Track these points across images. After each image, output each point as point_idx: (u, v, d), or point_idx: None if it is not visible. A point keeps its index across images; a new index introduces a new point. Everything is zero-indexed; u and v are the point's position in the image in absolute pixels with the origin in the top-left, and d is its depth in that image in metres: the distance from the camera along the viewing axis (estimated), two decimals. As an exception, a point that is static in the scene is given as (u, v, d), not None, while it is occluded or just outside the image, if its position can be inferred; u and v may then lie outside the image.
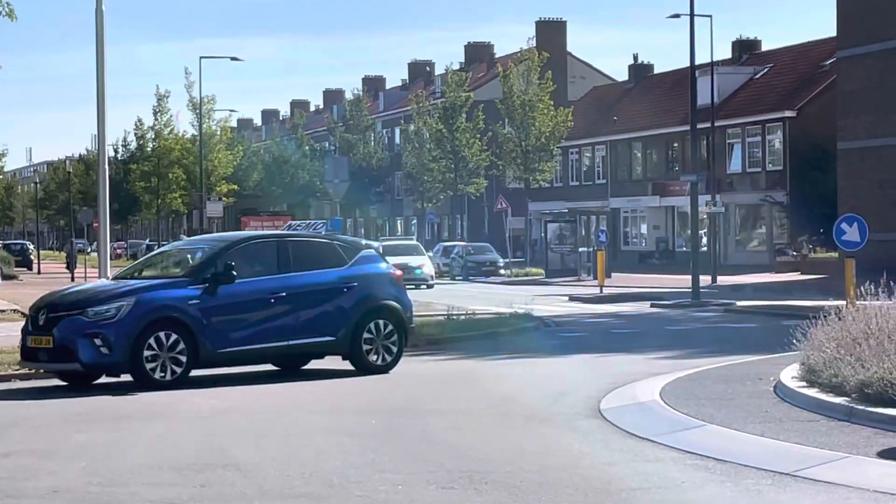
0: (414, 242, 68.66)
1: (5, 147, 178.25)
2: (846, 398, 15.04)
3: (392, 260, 47.03)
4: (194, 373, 20.67)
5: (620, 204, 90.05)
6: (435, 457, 13.38)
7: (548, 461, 13.08)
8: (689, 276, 44.08)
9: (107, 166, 28.89)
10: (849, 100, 61.27)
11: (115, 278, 23.27)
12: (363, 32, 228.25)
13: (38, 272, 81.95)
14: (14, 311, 40.06)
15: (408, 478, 12.20)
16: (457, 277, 71.16)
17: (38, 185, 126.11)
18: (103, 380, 20.71)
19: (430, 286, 57.99)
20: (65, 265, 65.51)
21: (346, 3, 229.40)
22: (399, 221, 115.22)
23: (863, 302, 19.34)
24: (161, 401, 18.86)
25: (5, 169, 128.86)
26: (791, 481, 11.68)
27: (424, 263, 60.36)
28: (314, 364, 23.72)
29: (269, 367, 23.63)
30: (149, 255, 30.95)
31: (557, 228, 73.85)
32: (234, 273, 20.42)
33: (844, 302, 23.76)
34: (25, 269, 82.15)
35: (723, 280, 54.61)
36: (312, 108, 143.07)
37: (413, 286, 48.66)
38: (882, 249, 42.50)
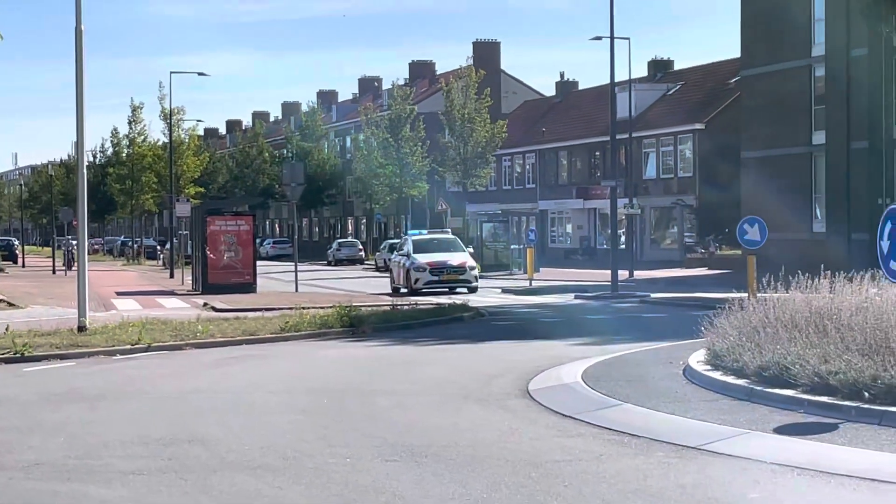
0: (450, 236, 52.43)
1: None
2: (746, 380, 15.14)
3: (426, 258, 45.28)
4: (163, 359, 20.46)
5: (548, 206, 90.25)
6: (380, 433, 13.38)
7: (481, 436, 13.10)
8: (609, 271, 44.27)
9: (85, 170, 28.67)
10: (751, 114, 61.64)
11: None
12: (318, 50, 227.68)
13: (23, 265, 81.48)
14: (0, 300, 39.78)
15: (355, 451, 12.20)
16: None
17: (23, 186, 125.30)
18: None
19: (472, 289, 44.94)
20: (63, 262, 64.45)
21: (303, 24, 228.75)
22: (350, 221, 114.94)
23: (762, 294, 19.48)
24: (133, 383, 18.79)
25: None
26: (697, 454, 11.74)
27: (466, 261, 45.97)
28: (272, 350, 23.68)
29: (234, 354, 23.60)
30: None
31: (492, 227, 73.90)
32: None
33: (746, 294, 23.83)
34: (11, 262, 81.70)
35: (639, 274, 54.82)
36: (272, 119, 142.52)
37: (446, 288, 44.32)
38: (780, 247, 42.77)
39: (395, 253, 50.29)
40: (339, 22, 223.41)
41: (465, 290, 44.66)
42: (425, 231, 58.01)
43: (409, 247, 46.87)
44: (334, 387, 17.67)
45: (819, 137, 56.26)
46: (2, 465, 11.86)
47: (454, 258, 45.63)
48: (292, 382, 18.41)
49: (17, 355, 22.40)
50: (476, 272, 46.27)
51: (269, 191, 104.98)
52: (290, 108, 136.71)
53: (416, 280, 44.40)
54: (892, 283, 15.05)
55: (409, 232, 52.24)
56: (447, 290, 44.22)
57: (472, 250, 52.85)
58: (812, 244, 52.31)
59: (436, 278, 44.31)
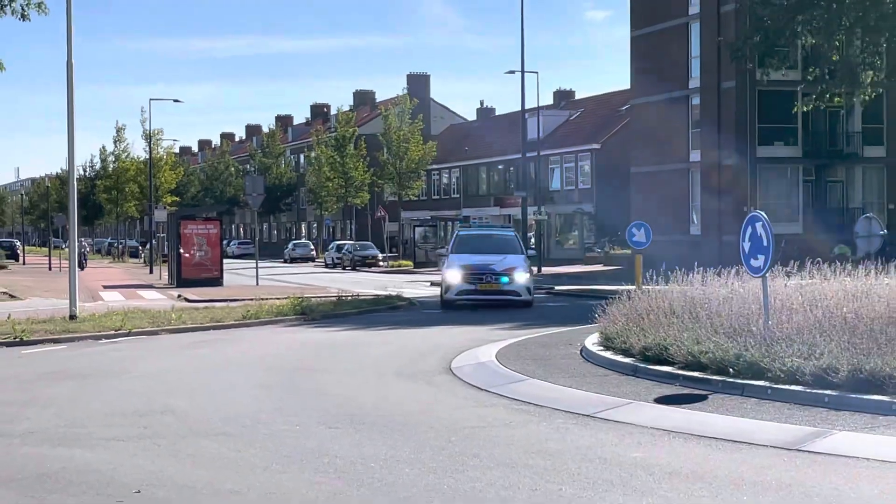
0: (507, 233, 34.94)
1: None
2: (632, 358, 15.23)
3: (465, 259, 30.00)
4: (143, 343, 20.28)
5: (470, 212, 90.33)
6: (324, 405, 13.32)
7: (409, 407, 13.08)
8: (521, 267, 44.26)
9: (76, 182, 28.35)
10: (638, 136, 62.08)
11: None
12: (277, 81, 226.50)
13: (24, 263, 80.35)
14: (3, 293, 39.25)
15: (303, 420, 12.14)
16: (346, 267, 71.00)
17: (24, 196, 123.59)
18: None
19: (526, 303, 29.78)
20: (77, 263, 61.84)
21: (264, 59, 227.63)
22: (303, 225, 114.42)
23: (647, 287, 19.61)
24: (116, 363, 18.59)
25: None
26: (591, 421, 11.79)
27: (517, 266, 30.23)
28: (236, 335, 23.51)
29: (203, 338, 23.41)
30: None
31: (423, 231, 74.10)
32: None
33: (634, 287, 24.02)
34: (14, 261, 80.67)
35: (546, 270, 55.01)
36: (237, 139, 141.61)
37: (487, 302, 29.75)
38: (662, 248, 43.04)
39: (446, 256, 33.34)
40: (296, 58, 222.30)
41: (517, 305, 29.44)
42: (482, 227, 45.49)
43: (451, 244, 32.83)
44: (287, 365, 17.57)
45: (695, 156, 56.75)
46: (2, 433, 11.70)
47: (502, 262, 29.97)
48: (251, 362, 18.29)
49: (17, 339, 22.13)
50: (529, 282, 29.99)
51: (234, 200, 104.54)
52: (252, 129, 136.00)
53: (447, 289, 30.11)
54: (753, 278, 15.19)
55: (459, 228, 36.92)
56: (489, 304, 29.62)
57: (532, 252, 38.64)
58: (689, 245, 52.73)
59: (471, 287, 29.59)
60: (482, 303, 29.66)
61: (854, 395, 11.60)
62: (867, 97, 40.38)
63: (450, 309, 29.66)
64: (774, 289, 15.37)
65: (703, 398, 12.50)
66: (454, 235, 33.58)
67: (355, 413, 12.53)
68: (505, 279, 29.53)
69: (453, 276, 29.87)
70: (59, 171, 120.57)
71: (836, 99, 43.39)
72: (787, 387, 12.26)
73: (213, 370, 17.25)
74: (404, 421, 11.98)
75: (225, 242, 74.32)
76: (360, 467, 9.59)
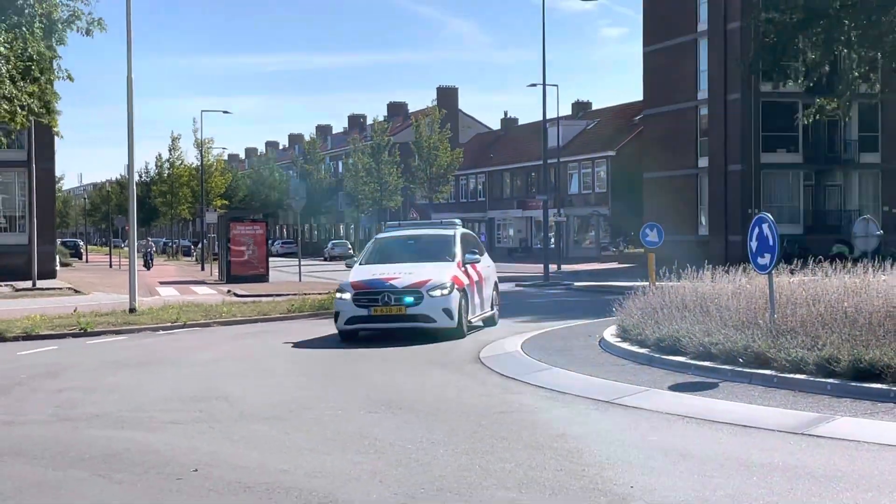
0: (445, 231, 22.18)
1: (62, 174, 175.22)
2: (648, 349, 15.19)
3: (365, 273, 20.07)
4: (196, 334, 20.36)
5: (495, 215, 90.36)
6: (364, 391, 13.33)
7: (442, 393, 13.08)
8: (542, 265, 44.32)
9: (135, 186, 28.50)
10: (651, 144, 61.89)
11: None
12: (317, 93, 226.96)
13: (87, 261, 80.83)
14: (69, 288, 39.49)
15: (345, 405, 12.16)
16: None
17: (86, 199, 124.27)
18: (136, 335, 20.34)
19: (448, 331, 19.36)
20: (142, 263, 60.28)
21: (306, 73, 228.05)
22: (341, 226, 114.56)
23: (660, 283, 19.55)
24: (172, 353, 18.68)
25: (63, 188, 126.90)
26: (609, 406, 11.76)
27: (431, 279, 19.50)
28: (281, 327, 23.55)
29: (251, 330, 23.46)
30: None
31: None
32: None
33: (648, 283, 23.96)
34: (77, 259, 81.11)
35: (565, 268, 54.95)
36: (281, 147, 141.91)
37: (396, 330, 19.55)
38: (673, 247, 42.92)
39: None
40: (335, 72, 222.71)
41: (430, 333, 19.33)
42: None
43: (365, 249, 22.36)
44: (328, 355, 17.61)
45: (703, 162, 56.53)
46: (70, 417, 11.77)
47: (411, 274, 19.69)
48: (296, 352, 18.35)
49: (82, 331, 22.28)
50: (452, 301, 19.33)
51: (278, 203, 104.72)
52: (295, 138, 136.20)
53: (336, 316, 19.94)
54: (759, 274, 15.11)
55: (385, 224, 27.85)
56: (386, 334, 19.71)
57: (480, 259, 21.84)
58: (698, 244, 52.53)
59: (363, 312, 19.39)
60: (384, 332, 19.57)
61: (854, 384, 11.53)
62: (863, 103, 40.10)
63: (352, 341, 19.60)
64: (779, 285, 15.29)
65: (713, 386, 12.44)
66: (373, 239, 22.48)
67: (393, 399, 12.53)
68: (409, 299, 18.99)
69: (343, 298, 19.54)
70: (119, 176, 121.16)
71: (833, 107, 43.15)
72: (792, 375, 12.19)
73: (261, 359, 17.29)
74: (438, 406, 11.98)
75: (270, 242, 74.51)
76: (399, 449, 9.59)
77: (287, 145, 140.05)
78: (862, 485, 7.95)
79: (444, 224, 22.90)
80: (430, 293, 19.24)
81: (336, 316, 19.86)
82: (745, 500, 7.56)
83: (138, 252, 73.02)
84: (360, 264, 21.05)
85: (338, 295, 19.97)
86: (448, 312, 19.23)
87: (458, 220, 22.70)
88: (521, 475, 8.51)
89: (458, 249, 21.01)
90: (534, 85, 55.86)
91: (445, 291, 19.30)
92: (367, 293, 19.34)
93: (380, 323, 19.39)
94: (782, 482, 8.07)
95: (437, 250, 21.08)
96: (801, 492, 7.78)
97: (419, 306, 19.16)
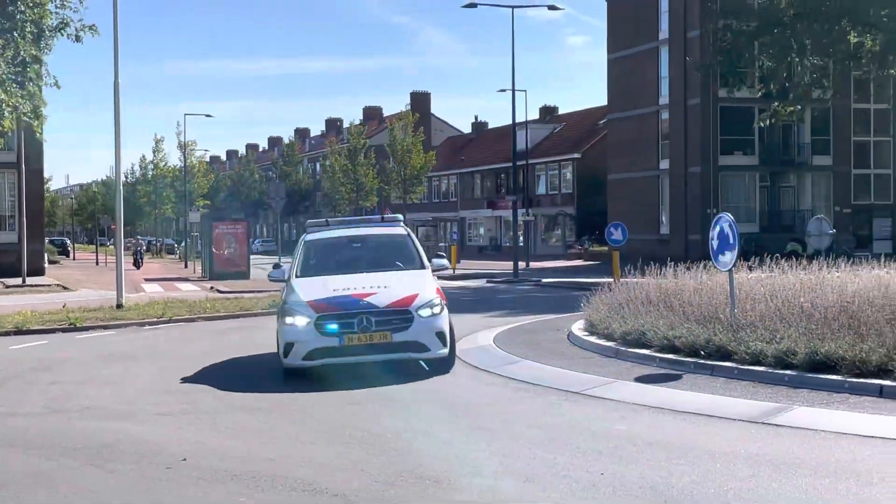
0: (396, 230, 15.98)
1: (50, 175, 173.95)
2: (614, 342, 15.22)
3: (316, 287, 13.97)
4: (181, 329, 20.23)
5: (466, 214, 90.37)
6: (344, 382, 13.31)
7: (420, 385, 13.06)
8: (512, 262, 44.37)
9: (122, 187, 28.34)
10: (614, 147, 62.08)
11: None
12: (296, 97, 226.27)
13: (74, 259, 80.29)
14: (57, 285, 39.24)
15: (326, 396, 12.09)
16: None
17: (73, 199, 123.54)
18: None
19: (441, 361, 13.80)
20: (132, 262, 58.82)
21: (285, 78, 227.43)
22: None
23: (625, 279, 19.61)
24: (159, 346, 18.61)
25: (51, 189, 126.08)
26: (579, 397, 11.79)
27: (417, 293, 13.63)
28: (262, 322, 23.49)
29: (234, 325, 23.38)
30: None
31: (425, 230, 74.05)
32: None
33: (613, 280, 24.04)
34: (65, 257, 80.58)
35: (533, 265, 54.95)
36: (261, 149, 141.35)
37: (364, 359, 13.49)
38: (636, 245, 43.09)
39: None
40: (313, 77, 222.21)
41: (422, 362, 13.94)
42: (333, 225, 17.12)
43: (296, 256, 15.69)
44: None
45: (665, 164, 56.76)
46: (63, 409, 11.71)
47: (388, 288, 13.79)
48: (274, 344, 18.26)
49: (72, 325, 22.16)
50: (443, 322, 13.71)
51: (258, 203, 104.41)
52: (274, 140, 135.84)
53: (288, 348, 13.46)
54: (720, 271, 15.19)
55: (307, 223, 16.77)
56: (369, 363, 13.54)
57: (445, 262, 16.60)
58: (659, 243, 52.76)
59: (331, 342, 13.25)
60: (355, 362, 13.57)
61: (811, 375, 11.61)
62: (815, 111, 40.42)
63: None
64: (738, 281, 15.38)
65: (677, 377, 12.50)
66: (301, 243, 15.84)
67: (373, 390, 12.51)
68: (396, 323, 13.37)
69: (296, 324, 13.42)
70: (105, 177, 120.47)
71: (788, 112, 43.50)
72: (752, 367, 12.27)
73: (243, 352, 17.23)
74: (415, 398, 11.98)
75: (251, 240, 74.25)
76: (380, 439, 9.60)
77: (267, 147, 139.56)
78: (819, 471, 8.02)
79: (386, 222, 16.52)
80: (420, 313, 13.43)
81: (285, 348, 13.38)
82: (709, 486, 7.62)
83: (128, 250, 73.06)
84: (298, 276, 14.67)
85: (287, 321, 13.40)
86: (441, 337, 13.62)
87: (399, 216, 16.68)
88: (496, 463, 8.53)
89: (422, 253, 15.46)
90: (503, 90, 55.97)
91: (437, 310, 13.64)
92: (338, 316, 13.18)
93: (355, 356, 13.28)
94: (744, 469, 8.13)
95: (394, 255, 15.29)
96: (763, 478, 7.84)
97: (408, 331, 13.32)
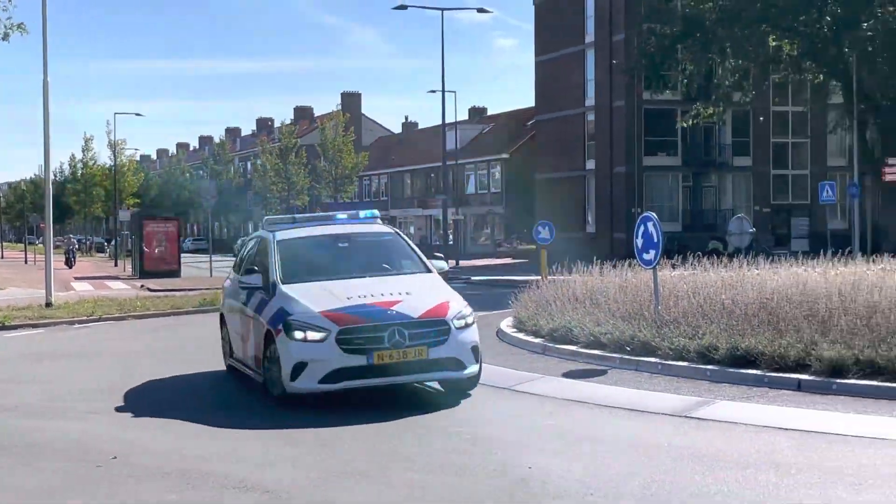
0: (384, 229, 13.56)
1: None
2: (542, 339, 15.30)
3: (316, 295, 11.40)
4: (111, 327, 19.94)
5: (397, 213, 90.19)
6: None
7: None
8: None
9: (51, 186, 27.84)
10: (542, 147, 62.43)
11: None
12: (227, 97, 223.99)
13: (2, 257, 78.75)
14: (-15, 284, 38.45)
15: (258, 396, 12.00)
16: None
17: (1, 198, 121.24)
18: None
19: (470, 382, 11.45)
20: (64, 261, 56.95)
21: (216, 77, 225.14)
22: (250, 224, 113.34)
23: (552, 277, 19.71)
24: (91, 345, 18.31)
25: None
26: (509, 393, 11.82)
27: (448, 299, 11.53)
28: (193, 319, 23.21)
29: (165, 323, 23.11)
30: None
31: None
32: None
33: (540, 277, 24.14)
34: (-8, 255, 78.98)
35: (463, 263, 54.91)
36: (192, 148, 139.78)
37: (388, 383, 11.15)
38: (564, 244, 43.32)
39: (228, 279, 14.86)
40: (244, 77, 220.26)
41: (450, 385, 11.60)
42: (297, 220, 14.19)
43: (271, 259, 12.36)
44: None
45: (591, 164, 57.22)
46: (-10, 408, 11.49)
47: (409, 293, 11.42)
48: (209, 344, 18.07)
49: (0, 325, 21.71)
50: (475, 335, 11.43)
51: (189, 202, 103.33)
52: (205, 140, 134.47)
53: (297, 369, 10.77)
54: (644, 269, 15.33)
55: (266, 220, 13.91)
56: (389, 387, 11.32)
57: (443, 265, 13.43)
58: (586, 241, 53.11)
59: (358, 361, 10.71)
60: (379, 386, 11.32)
61: (732, 370, 11.78)
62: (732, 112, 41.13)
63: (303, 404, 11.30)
64: (662, 279, 15.54)
65: (603, 373, 12.59)
66: (270, 243, 12.84)
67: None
68: (432, 335, 11.05)
69: (309, 339, 10.92)
70: (34, 175, 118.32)
71: (709, 114, 44.18)
72: (675, 363, 12.41)
73: (176, 351, 17.04)
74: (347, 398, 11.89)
75: (181, 239, 73.50)
76: (311, 436, 9.54)
77: (198, 147, 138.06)
78: (741, 462, 8.13)
79: (362, 218, 13.62)
80: (455, 324, 11.19)
81: (293, 369, 10.78)
82: (634, 479, 7.68)
83: (59, 249, 71.68)
84: (283, 282, 11.81)
85: (296, 335, 10.86)
86: (475, 352, 11.38)
87: (376, 211, 14.07)
88: (426, 459, 8.52)
89: (421, 254, 12.99)
90: (433, 91, 56.06)
91: (469, 320, 11.44)
92: (363, 329, 10.80)
93: (385, 377, 10.86)
94: (668, 461, 8.22)
95: (391, 256, 12.90)
96: (686, 469, 7.93)
97: (445, 345, 11.02)
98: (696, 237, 46.80)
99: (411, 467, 8.21)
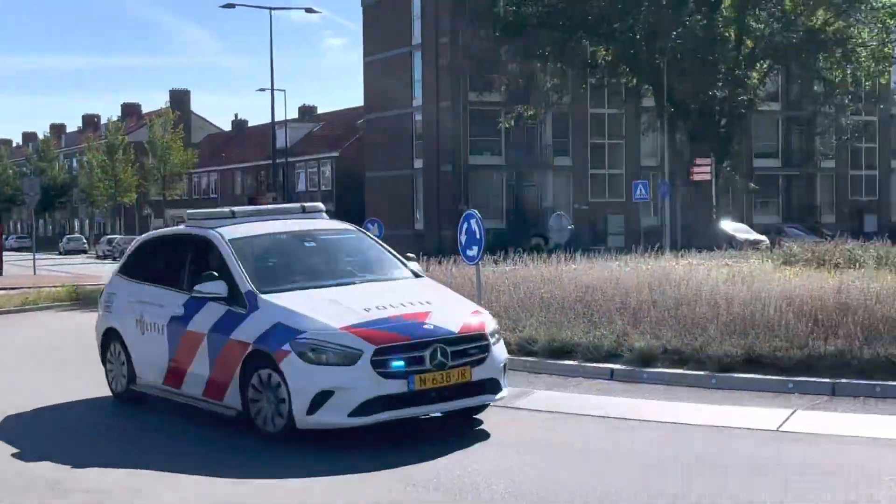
0: (346, 226, 11.22)
1: None
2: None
3: (321, 304, 9.07)
4: None
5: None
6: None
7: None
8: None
9: None
10: (372, 146, 62.55)
11: None
12: (52, 93, 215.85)
13: None
14: None
15: (91, 396, 11.67)
16: (116, 259, 68.42)
17: None
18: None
19: (493, 393, 9.14)
20: None
21: (40, 73, 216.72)
22: (76, 221, 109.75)
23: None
24: None
25: None
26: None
27: (479, 310, 9.64)
28: (16, 320, 22.33)
29: None
30: None
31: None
32: None
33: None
34: None
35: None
36: (14, 145, 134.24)
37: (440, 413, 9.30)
38: (393, 240, 43.40)
39: (111, 286, 11.66)
40: (69, 73, 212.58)
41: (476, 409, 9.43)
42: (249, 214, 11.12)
43: (231, 263, 9.59)
44: (78, 345, 16.86)
45: (419, 163, 57.64)
46: None
47: (433, 303, 9.25)
48: (37, 343, 17.47)
49: None
50: (505, 353, 9.43)
51: (12, 198, 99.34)
52: (29, 136, 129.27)
53: (323, 396, 8.44)
54: (468, 265, 15.55)
55: (190, 214, 11.23)
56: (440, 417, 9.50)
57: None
58: (415, 238, 53.49)
59: (397, 388, 8.49)
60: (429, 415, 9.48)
61: (550, 361, 12.10)
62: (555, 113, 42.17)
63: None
64: (485, 274, 15.80)
65: (428, 366, 12.67)
66: (220, 242, 9.96)
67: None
68: (475, 352, 8.97)
69: (328, 362, 8.56)
70: None
71: (530, 115, 45.22)
72: (496, 355, 12.63)
73: (1, 351, 16.39)
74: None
75: (4, 237, 70.60)
76: (132, 434, 9.35)
77: (21, 143, 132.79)
78: (554, 447, 8.40)
79: (308, 213, 11.18)
80: (493, 339, 9.25)
81: (314, 400, 8.52)
82: (454, 469, 7.83)
83: None
84: (262, 291, 9.31)
85: (313, 357, 8.59)
86: (505, 371, 9.42)
87: (321, 205, 11.67)
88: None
89: (396, 253, 10.84)
90: (263, 89, 55.60)
91: (499, 335, 9.52)
92: (404, 348, 8.67)
93: (426, 405, 8.80)
94: (483, 449, 8.41)
95: (369, 259, 10.66)
96: (496, 455, 8.14)
97: (485, 365, 9.04)
98: (518, 234, 47.71)
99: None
